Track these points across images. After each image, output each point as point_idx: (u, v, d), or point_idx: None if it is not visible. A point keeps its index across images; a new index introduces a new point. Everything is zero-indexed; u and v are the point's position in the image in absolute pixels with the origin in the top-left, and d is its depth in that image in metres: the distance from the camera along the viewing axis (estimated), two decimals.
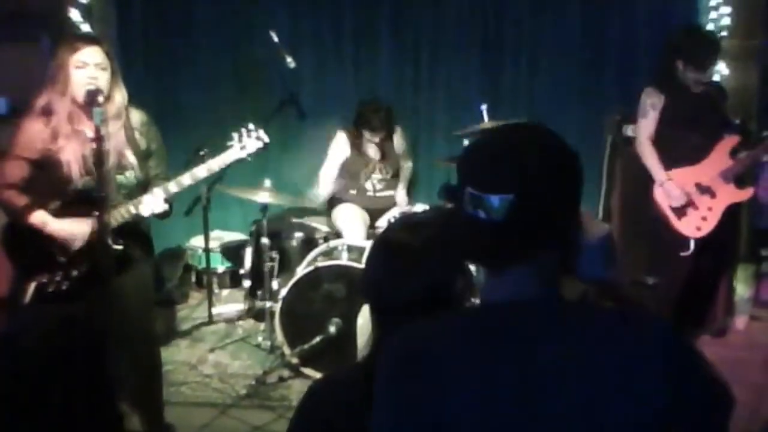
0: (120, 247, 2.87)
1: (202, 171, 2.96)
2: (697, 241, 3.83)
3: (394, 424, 1.17)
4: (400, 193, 4.71)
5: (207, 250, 4.72)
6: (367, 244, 4.06)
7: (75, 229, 2.84)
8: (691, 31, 4.03)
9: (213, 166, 2.98)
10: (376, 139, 4.46)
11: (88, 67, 2.74)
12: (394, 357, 1.20)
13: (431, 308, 1.48)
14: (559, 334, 1.15)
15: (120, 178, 2.88)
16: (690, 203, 3.83)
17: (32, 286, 2.85)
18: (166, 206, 2.92)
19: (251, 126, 3.08)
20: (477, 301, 1.51)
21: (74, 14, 4.68)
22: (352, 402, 1.46)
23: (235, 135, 3.05)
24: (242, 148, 3.04)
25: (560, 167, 1.19)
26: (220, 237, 5.26)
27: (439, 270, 1.54)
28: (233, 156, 3.03)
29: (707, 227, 3.83)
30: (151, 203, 2.88)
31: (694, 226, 3.84)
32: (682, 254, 3.83)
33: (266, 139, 3.09)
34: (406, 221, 1.63)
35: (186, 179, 2.94)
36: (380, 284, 1.55)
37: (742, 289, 4.56)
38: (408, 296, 1.51)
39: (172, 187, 2.91)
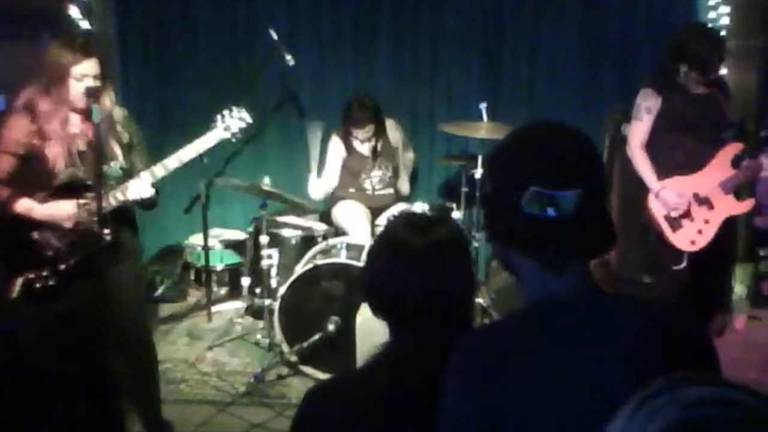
0: (108, 235, 2.88)
1: (188, 153, 2.99)
2: (691, 254, 3.67)
3: (470, 423, 1.18)
4: (404, 184, 4.70)
5: (206, 248, 4.73)
6: (368, 243, 4.06)
7: (60, 209, 2.85)
8: (695, 32, 3.79)
9: (198, 147, 3.02)
10: (362, 136, 4.45)
11: (86, 79, 2.79)
12: (473, 358, 1.21)
13: (443, 313, 1.46)
14: (611, 333, 1.18)
15: (105, 168, 2.89)
16: (686, 214, 3.65)
17: (19, 281, 2.85)
18: (152, 191, 2.94)
19: (234, 107, 3.17)
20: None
21: (74, 12, 4.68)
22: (362, 405, 1.44)
23: (218, 116, 3.13)
24: (226, 128, 3.12)
25: (602, 163, 1.27)
26: (219, 234, 5.26)
27: (450, 273, 1.50)
28: (217, 136, 3.10)
29: (702, 241, 3.65)
30: (138, 187, 2.90)
31: (689, 240, 3.66)
32: (675, 268, 3.68)
33: (249, 119, 3.19)
34: (411, 220, 1.57)
35: (172, 162, 2.97)
36: (387, 286, 1.50)
37: (740, 288, 4.56)
38: (416, 299, 1.47)
39: (159, 170, 2.94)
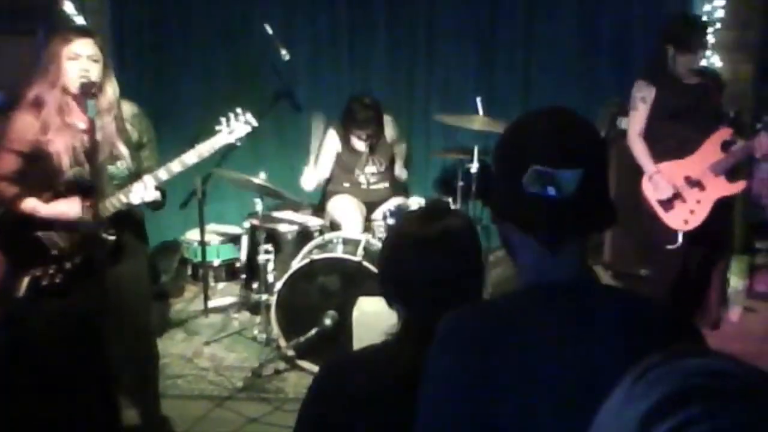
0: (113, 238, 2.88)
1: (191, 157, 2.93)
2: (686, 234, 3.79)
3: (450, 401, 1.18)
4: (402, 172, 4.72)
5: (203, 243, 4.73)
6: (364, 237, 4.07)
7: (65, 208, 2.83)
8: (682, 15, 4.13)
9: (202, 151, 2.95)
10: (364, 135, 4.45)
11: (80, 59, 2.73)
12: (458, 337, 1.22)
13: (456, 295, 1.53)
14: (598, 320, 1.20)
15: (111, 168, 2.87)
16: (678, 196, 3.79)
17: (26, 279, 2.85)
18: (157, 194, 2.91)
19: (239, 110, 3.06)
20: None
21: (68, 7, 4.68)
22: (384, 380, 1.50)
23: (223, 120, 3.04)
24: (230, 132, 3.02)
25: (604, 145, 1.28)
26: (215, 230, 5.26)
27: (463, 259, 1.59)
28: (222, 141, 3.01)
29: (695, 221, 3.78)
30: (141, 191, 2.86)
31: (682, 219, 3.79)
32: (669, 247, 3.78)
33: (254, 123, 3.08)
34: (423, 214, 1.68)
35: (175, 166, 2.92)
36: (409, 276, 1.58)
37: (736, 281, 4.58)
38: (437, 285, 1.55)
39: (162, 174, 2.90)
